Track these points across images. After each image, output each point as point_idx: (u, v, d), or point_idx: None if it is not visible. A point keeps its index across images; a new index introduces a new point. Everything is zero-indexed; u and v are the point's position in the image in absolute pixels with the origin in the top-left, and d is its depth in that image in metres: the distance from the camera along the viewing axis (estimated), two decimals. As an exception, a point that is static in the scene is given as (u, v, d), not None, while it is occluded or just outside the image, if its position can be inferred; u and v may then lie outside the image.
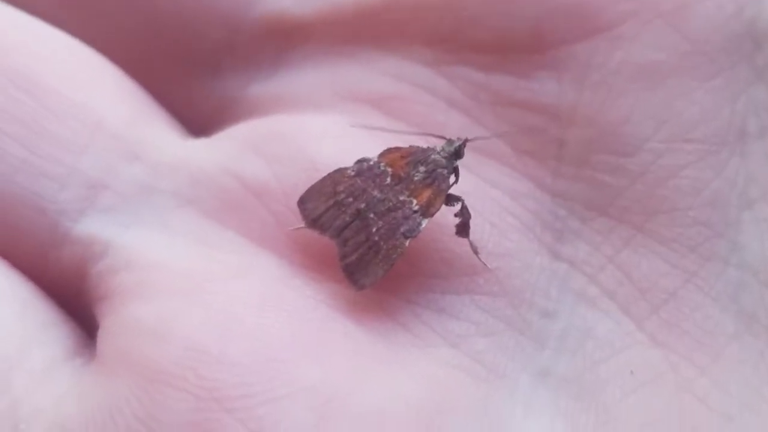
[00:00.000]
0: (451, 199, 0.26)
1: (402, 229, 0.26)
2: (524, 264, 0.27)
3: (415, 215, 0.26)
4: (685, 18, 0.27)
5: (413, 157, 0.27)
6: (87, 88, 0.28)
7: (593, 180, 0.27)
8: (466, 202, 0.26)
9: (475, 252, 0.26)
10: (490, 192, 0.27)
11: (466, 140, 0.27)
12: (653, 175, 0.27)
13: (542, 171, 0.27)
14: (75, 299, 0.27)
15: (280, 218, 0.27)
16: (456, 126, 0.28)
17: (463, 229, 0.26)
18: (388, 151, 0.27)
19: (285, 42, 0.30)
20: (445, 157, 0.26)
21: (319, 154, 0.27)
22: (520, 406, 0.25)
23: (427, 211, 0.26)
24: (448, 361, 0.26)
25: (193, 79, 0.31)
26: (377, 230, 0.26)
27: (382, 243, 0.26)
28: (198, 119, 0.31)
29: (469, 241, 0.26)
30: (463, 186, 0.27)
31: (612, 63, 0.27)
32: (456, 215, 0.26)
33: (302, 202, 0.27)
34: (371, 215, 0.26)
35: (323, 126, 0.28)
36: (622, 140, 0.27)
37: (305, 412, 0.23)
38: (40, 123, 0.27)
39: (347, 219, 0.26)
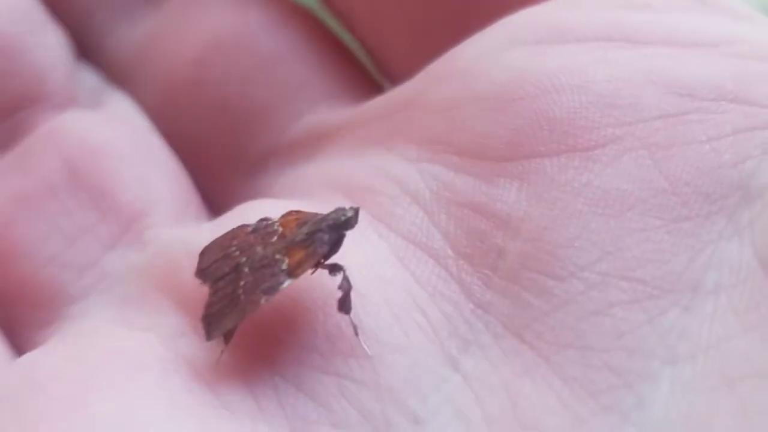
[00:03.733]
0: (333, 269, 0.25)
1: (263, 286, 0.24)
2: (412, 363, 0.24)
3: (281, 273, 0.24)
4: (671, 155, 0.25)
5: (304, 218, 0.25)
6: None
7: (519, 298, 0.24)
8: (348, 273, 0.24)
9: (354, 331, 0.24)
10: (412, 287, 0.25)
11: (358, 210, 0.25)
12: (578, 306, 0.24)
13: (475, 279, 0.25)
14: None
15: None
16: (409, 220, 0.27)
17: (343, 303, 0.24)
18: (289, 213, 0.26)
19: (318, 143, 0.32)
20: (328, 225, 0.25)
21: None
22: None
23: (293, 271, 0.24)
24: None
25: (239, 177, 0.33)
26: (244, 284, 0.25)
27: (242, 297, 0.25)
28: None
29: (349, 317, 0.24)
30: (386, 274, 0.26)
31: (576, 183, 0.25)
32: (339, 287, 0.24)
33: (202, 253, 0.27)
34: (246, 269, 0.25)
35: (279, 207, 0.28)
36: (558, 263, 0.24)
37: None
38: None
39: (226, 270, 0.25)
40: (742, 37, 0.27)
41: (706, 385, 0.22)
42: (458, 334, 0.24)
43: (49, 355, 0.26)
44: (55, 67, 0.33)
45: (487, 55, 0.28)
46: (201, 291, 0.26)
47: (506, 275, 0.25)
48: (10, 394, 0.25)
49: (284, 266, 0.25)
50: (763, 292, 0.23)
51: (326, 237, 0.25)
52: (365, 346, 0.24)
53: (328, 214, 0.25)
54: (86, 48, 0.35)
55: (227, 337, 0.25)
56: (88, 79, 0.35)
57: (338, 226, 0.25)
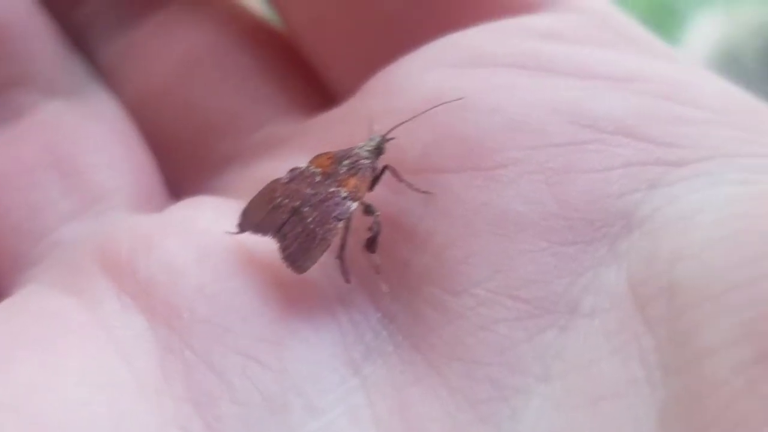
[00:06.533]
0: (369, 210, 0.28)
1: (334, 214, 0.28)
2: (317, 359, 0.27)
3: (345, 201, 0.28)
4: (565, 180, 0.27)
5: (337, 155, 0.29)
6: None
7: (419, 311, 0.27)
8: (378, 217, 0.28)
9: (377, 270, 0.28)
10: (328, 290, 0.28)
11: (385, 136, 0.29)
12: (468, 321, 0.26)
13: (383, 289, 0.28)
14: None
15: None
16: None
17: (371, 243, 0.28)
18: (317, 157, 0.30)
19: (272, 150, 0.34)
20: (367, 150, 0.29)
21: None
22: None
23: (355, 195, 0.28)
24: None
25: (204, 178, 0.35)
26: (312, 220, 0.28)
27: (317, 229, 0.28)
28: None
29: (374, 256, 0.28)
30: (310, 273, 0.28)
31: (477, 202, 0.27)
32: (369, 228, 0.28)
33: (244, 214, 0.30)
34: (306, 209, 0.28)
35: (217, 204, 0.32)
36: (455, 278, 0.27)
37: None
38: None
39: (285, 217, 0.29)
40: (649, 75, 0.29)
41: (571, 402, 0.24)
42: (363, 341, 0.27)
43: None
44: (45, 53, 0.35)
45: (409, 75, 0.30)
46: (131, 264, 0.29)
47: (410, 288, 0.27)
48: None
49: (344, 194, 0.28)
50: (629, 317, 0.24)
51: (368, 162, 0.29)
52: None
53: (361, 145, 0.29)
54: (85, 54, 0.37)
55: (341, 254, 0.28)
56: (77, 69, 0.36)
57: (375, 151, 0.29)
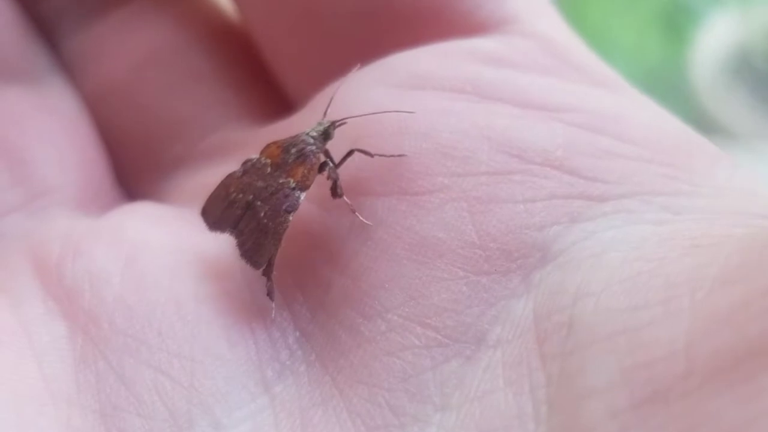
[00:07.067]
0: (321, 168, 0.28)
1: (284, 206, 0.28)
2: (229, 376, 0.26)
3: (294, 191, 0.28)
4: (487, 210, 0.26)
5: (285, 143, 0.29)
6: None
7: (333, 332, 0.27)
8: (332, 165, 0.28)
9: (351, 209, 0.27)
10: (249, 307, 0.28)
11: (334, 122, 0.29)
12: (377, 346, 0.26)
13: (304, 309, 0.27)
14: None
15: None
16: None
17: (335, 189, 0.28)
18: (267, 146, 0.29)
19: (221, 156, 0.34)
20: (313, 137, 0.29)
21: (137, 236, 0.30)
22: None
23: (303, 185, 0.28)
24: None
25: (154, 179, 0.35)
26: (264, 214, 0.28)
27: (269, 223, 0.28)
28: None
29: (344, 199, 0.28)
30: (230, 289, 0.28)
31: (398, 226, 0.27)
32: (327, 178, 0.28)
33: (203, 213, 0.30)
34: (258, 203, 0.28)
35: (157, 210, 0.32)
36: (369, 303, 0.26)
37: None
38: None
39: (239, 212, 0.29)
40: (584, 106, 0.28)
41: None
42: (278, 359, 0.27)
43: None
44: (7, 41, 0.35)
45: (352, 93, 0.30)
46: (59, 269, 0.29)
47: (329, 309, 0.27)
48: None
49: (293, 184, 0.28)
50: (528, 349, 0.24)
51: (315, 148, 0.29)
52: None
53: (308, 131, 0.29)
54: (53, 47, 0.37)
55: (267, 271, 0.28)
56: (39, 61, 0.36)
57: (322, 136, 0.29)
